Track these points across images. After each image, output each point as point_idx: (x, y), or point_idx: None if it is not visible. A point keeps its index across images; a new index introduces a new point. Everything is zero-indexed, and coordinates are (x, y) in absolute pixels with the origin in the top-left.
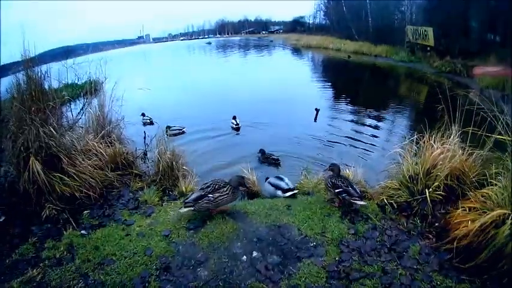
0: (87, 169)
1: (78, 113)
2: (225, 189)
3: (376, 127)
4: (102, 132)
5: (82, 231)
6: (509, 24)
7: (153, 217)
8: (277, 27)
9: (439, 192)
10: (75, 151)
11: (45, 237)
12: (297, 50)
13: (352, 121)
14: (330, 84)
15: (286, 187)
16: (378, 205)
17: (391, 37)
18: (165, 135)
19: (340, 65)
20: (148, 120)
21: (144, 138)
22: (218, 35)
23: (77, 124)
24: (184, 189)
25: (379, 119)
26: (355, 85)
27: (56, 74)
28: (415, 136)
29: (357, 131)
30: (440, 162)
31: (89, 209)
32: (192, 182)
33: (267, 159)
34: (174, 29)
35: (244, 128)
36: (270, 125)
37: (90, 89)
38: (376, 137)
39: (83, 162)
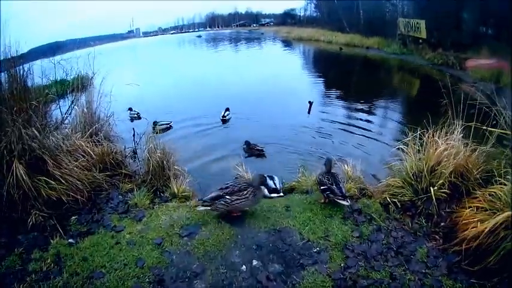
0: (74, 171)
1: (66, 111)
2: (245, 192)
3: (370, 120)
4: (90, 130)
5: (70, 240)
6: (506, 18)
7: (144, 222)
8: (268, 20)
9: (443, 190)
10: (60, 152)
11: (32, 247)
12: (288, 43)
13: (346, 114)
14: (322, 76)
15: (272, 187)
16: (381, 204)
17: (383, 29)
18: (153, 131)
19: (332, 57)
20: (135, 115)
21: (133, 135)
22: (208, 28)
23: (63, 123)
24: (176, 190)
25: (372, 112)
26: (347, 77)
27: (44, 71)
28: (418, 132)
29: (351, 124)
30: (445, 158)
31: (76, 215)
32: (185, 182)
33: (251, 150)
34: (164, 22)
35: (237, 121)
36: (262, 118)
37: (78, 85)
38: (370, 130)
39: (69, 163)
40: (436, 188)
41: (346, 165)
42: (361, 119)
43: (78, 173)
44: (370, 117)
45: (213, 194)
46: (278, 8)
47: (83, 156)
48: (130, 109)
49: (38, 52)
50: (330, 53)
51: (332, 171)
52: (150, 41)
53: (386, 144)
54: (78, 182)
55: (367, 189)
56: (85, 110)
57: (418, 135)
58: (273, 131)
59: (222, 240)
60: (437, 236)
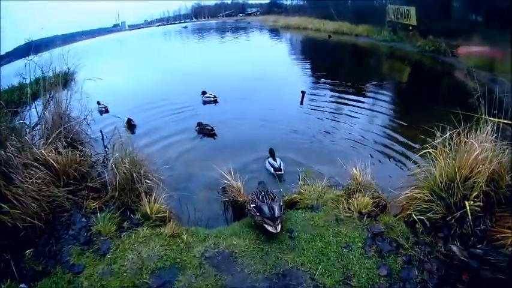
0: (30, 189)
1: (39, 116)
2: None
3: (370, 110)
4: (53, 135)
5: (21, 286)
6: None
7: (108, 259)
8: (254, 10)
9: (477, 203)
10: (14, 167)
11: None
12: (275, 31)
13: (342, 104)
14: (312, 64)
15: (277, 166)
16: (406, 222)
17: (372, 17)
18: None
19: (321, 44)
20: (103, 109)
21: (102, 139)
22: (194, 19)
23: (31, 128)
24: (148, 210)
25: (369, 102)
26: (338, 65)
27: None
28: (447, 133)
29: (349, 116)
30: (480, 165)
31: (33, 246)
32: (160, 198)
33: (202, 130)
34: (150, 15)
35: (227, 121)
36: (253, 112)
37: (51, 83)
38: (370, 124)
39: (24, 180)
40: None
41: (354, 169)
42: (358, 111)
43: (35, 191)
44: (370, 107)
45: (278, 207)
46: None
47: (45, 167)
48: (98, 103)
49: (23, 50)
50: (319, 41)
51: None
52: (135, 34)
53: (391, 141)
54: (34, 204)
55: (383, 200)
56: (52, 110)
57: (447, 137)
58: (266, 126)
59: None
60: None
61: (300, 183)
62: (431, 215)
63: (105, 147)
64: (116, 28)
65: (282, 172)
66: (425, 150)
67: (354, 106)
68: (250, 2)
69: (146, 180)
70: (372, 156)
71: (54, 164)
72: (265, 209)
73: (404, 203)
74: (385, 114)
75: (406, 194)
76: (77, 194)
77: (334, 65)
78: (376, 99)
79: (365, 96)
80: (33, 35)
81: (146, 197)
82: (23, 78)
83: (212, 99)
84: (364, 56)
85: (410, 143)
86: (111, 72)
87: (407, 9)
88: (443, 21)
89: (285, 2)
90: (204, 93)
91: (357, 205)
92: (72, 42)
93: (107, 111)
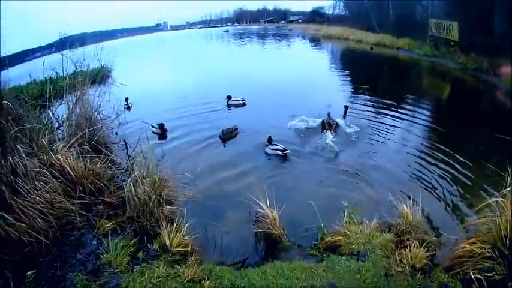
0: (37, 201)
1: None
2: None
3: (413, 133)
4: (76, 137)
5: None
6: None
7: None
8: (296, 17)
9: None
10: (21, 175)
11: None
12: (317, 41)
13: (383, 122)
14: (357, 78)
15: (282, 148)
16: (462, 281)
17: (413, 30)
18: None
19: (363, 56)
20: (125, 106)
21: (126, 148)
22: (236, 24)
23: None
24: (168, 242)
25: (411, 121)
26: (385, 80)
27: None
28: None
29: (390, 136)
30: None
31: (36, 267)
32: (183, 227)
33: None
34: (192, 17)
35: (264, 130)
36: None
37: (81, 81)
38: (428, 153)
39: (31, 192)
40: None
41: (405, 206)
42: (399, 132)
43: (44, 204)
44: (410, 130)
45: None
46: (306, 6)
47: (61, 174)
48: (126, 99)
49: (64, 43)
50: (360, 53)
51: None
52: (177, 35)
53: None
54: (39, 220)
55: (433, 245)
56: (77, 110)
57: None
58: (306, 142)
59: None
60: None
61: (344, 219)
62: (490, 275)
63: (128, 157)
64: (158, 28)
65: (288, 151)
66: (492, 200)
67: (395, 126)
68: (292, 9)
69: (167, 207)
70: (420, 188)
71: (71, 172)
72: None
73: (460, 255)
74: (431, 140)
75: (464, 247)
76: (92, 209)
77: (376, 80)
78: (418, 118)
79: (406, 114)
80: (68, 31)
81: (167, 225)
82: (56, 72)
83: (241, 101)
84: (405, 71)
85: (463, 178)
86: (148, 72)
87: (449, 24)
88: (485, 38)
89: (327, 12)
90: (229, 97)
91: (410, 258)
92: (112, 38)
93: (129, 108)
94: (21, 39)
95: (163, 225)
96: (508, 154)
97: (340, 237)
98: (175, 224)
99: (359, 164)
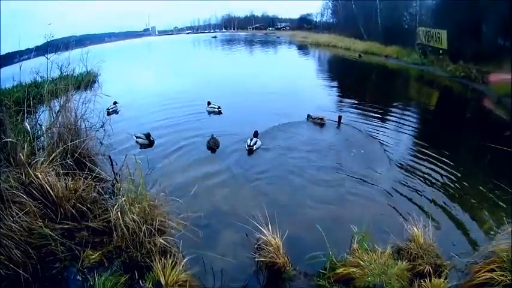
0: (12, 229)
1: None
2: None
3: (425, 150)
4: (58, 150)
5: None
6: None
7: None
8: (284, 24)
9: None
10: None
11: None
12: (304, 48)
13: (376, 134)
14: (346, 85)
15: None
16: None
17: (401, 38)
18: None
19: (354, 65)
20: (111, 110)
21: (112, 165)
22: (224, 30)
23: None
24: (163, 279)
25: (401, 131)
26: (374, 88)
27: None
28: None
29: (388, 147)
30: None
31: None
32: (180, 263)
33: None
34: (180, 22)
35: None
36: (288, 137)
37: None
38: (431, 169)
39: (6, 217)
40: None
41: (415, 229)
42: (396, 144)
43: (21, 231)
44: (423, 144)
45: None
46: (294, 13)
47: (41, 193)
48: (114, 103)
49: (53, 46)
50: (349, 60)
51: None
52: (164, 40)
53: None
54: (17, 251)
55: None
56: (60, 120)
57: None
58: (300, 156)
59: None
60: None
61: (354, 246)
62: None
63: (115, 174)
64: (145, 32)
65: (253, 148)
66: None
67: (390, 136)
68: (280, 16)
69: (160, 238)
70: (426, 204)
71: (51, 192)
72: None
73: (480, 282)
74: (428, 152)
75: (483, 274)
76: (75, 235)
77: (369, 88)
78: (407, 126)
79: (400, 123)
80: (56, 33)
81: (160, 258)
82: (40, 77)
83: (216, 109)
84: (394, 78)
85: (466, 195)
86: (136, 77)
87: (438, 33)
88: (473, 46)
89: (315, 19)
90: (209, 103)
91: None
92: (100, 43)
93: (115, 112)
94: (12, 41)
95: (156, 258)
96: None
97: (353, 270)
98: (169, 257)
99: (359, 177)
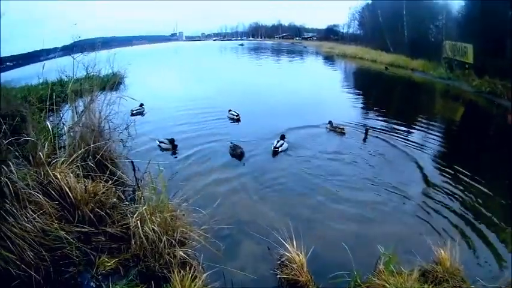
0: (26, 229)
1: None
2: None
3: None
4: (79, 151)
5: None
6: None
7: None
8: (310, 34)
9: None
10: (7, 197)
11: None
12: (331, 59)
13: (406, 145)
14: (372, 97)
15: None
16: None
17: (427, 51)
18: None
19: (380, 77)
20: (135, 111)
21: (134, 170)
22: (251, 38)
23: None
24: None
25: (426, 147)
26: (399, 101)
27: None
28: None
29: (414, 164)
30: None
31: None
32: (201, 278)
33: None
34: (208, 28)
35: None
36: (311, 146)
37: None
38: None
39: (21, 217)
40: None
41: (442, 251)
42: (421, 160)
43: (36, 232)
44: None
45: None
46: (321, 24)
47: (59, 194)
48: (141, 105)
49: (80, 46)
50: (376, 73)
51: None
52: (192, 45)
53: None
54: (31, 253)
55: None
56: (83, 120)
57: None
58: (325, 170)
59: None
60: None
61: (380, 267)
62: None
63: (136, 180)
64: (172, 37)
65: (279, 150)
66: None
67: (416, 151)
68: (306, 26)
69: (180, 250)
70: (455, 226)
71: (70, 193)
72: None
73: None
74: (451, 170)
75: None
76: (91, 240)
77: (395, 101)
78: (433, 140)
79: (425, 138)
80: (84, 34)
81: (179, 270)
82: (66, 76)
83: (235, 116)
84: (420, 92)
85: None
86: (162, 80)
87: (464, 47)
88: (499, 61)
89: (342, 30)
90: (229, 110)
91: None
92: (128, 45)
93: (140, 114)
94: (39, 39)
95: (175, 270)
96: None
97: None
98: (189, 269)
99: (385, 193)
